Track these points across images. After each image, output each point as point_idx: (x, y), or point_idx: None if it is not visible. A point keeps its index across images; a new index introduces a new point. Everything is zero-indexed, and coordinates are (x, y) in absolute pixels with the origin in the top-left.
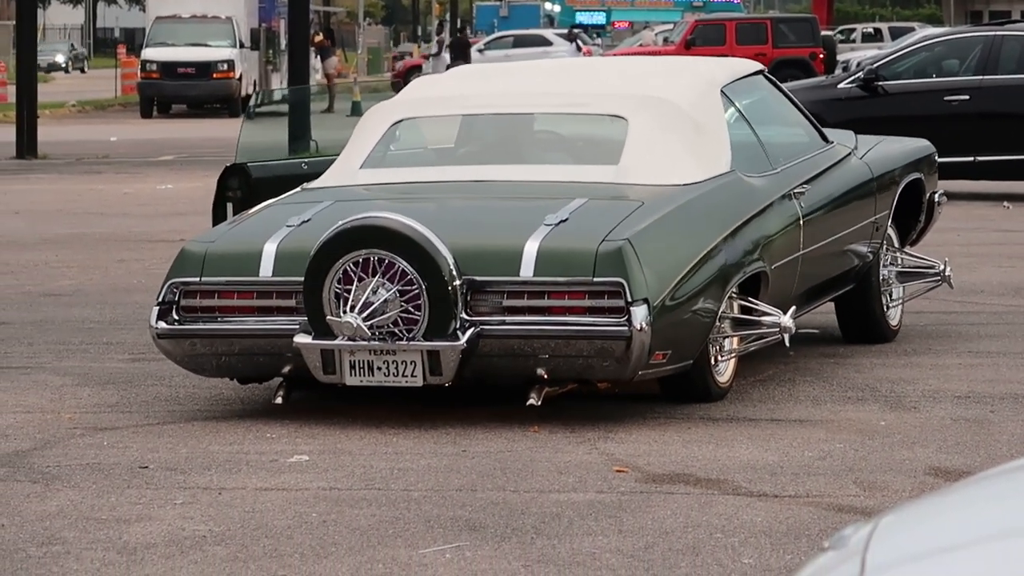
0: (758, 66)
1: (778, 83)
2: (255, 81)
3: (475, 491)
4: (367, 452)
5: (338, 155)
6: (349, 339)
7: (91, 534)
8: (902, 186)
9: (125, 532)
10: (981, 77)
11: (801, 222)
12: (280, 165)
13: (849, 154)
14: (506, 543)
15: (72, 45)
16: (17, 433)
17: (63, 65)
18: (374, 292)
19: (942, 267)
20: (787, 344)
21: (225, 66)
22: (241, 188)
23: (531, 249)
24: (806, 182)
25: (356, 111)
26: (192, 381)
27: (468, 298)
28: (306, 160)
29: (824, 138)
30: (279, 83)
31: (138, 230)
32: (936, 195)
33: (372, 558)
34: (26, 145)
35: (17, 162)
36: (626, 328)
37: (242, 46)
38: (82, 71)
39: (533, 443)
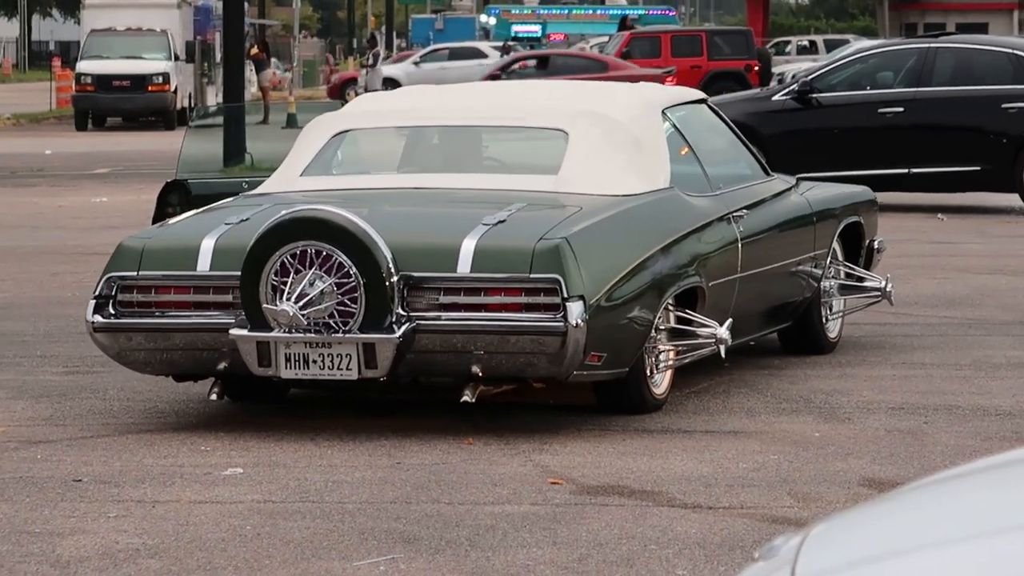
0: (701, 95)
1: (722, 114)
2: (190, 94)
3: (409, 503)
4: (301, 465)
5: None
6: (285, 329)
7: (24, 547)
8: (842, 226)
9: (58, 545)
10: (915, 89)
11: (739, 245)
12: (220, 182)
13: (789, 189)
14: (440, 555)
15: None
16: None
17: None
18: (311, 284)
19: (884, 283)
20: (723, 356)
21: (160, 79)
22: (181, 204)
23: (468, 246)
24: (745, 207)
25: (291, 123)
26: (127, 394)
27: (405, 293)
28: (246, 179)
29: (765, 171)
30: (214, 96)
31: (72, 243)
32: (876, 241)
33: (306, 571)
34: None
35: None
36: (561, 324)
37: (177, 59)
38: None
39: (467, 455)
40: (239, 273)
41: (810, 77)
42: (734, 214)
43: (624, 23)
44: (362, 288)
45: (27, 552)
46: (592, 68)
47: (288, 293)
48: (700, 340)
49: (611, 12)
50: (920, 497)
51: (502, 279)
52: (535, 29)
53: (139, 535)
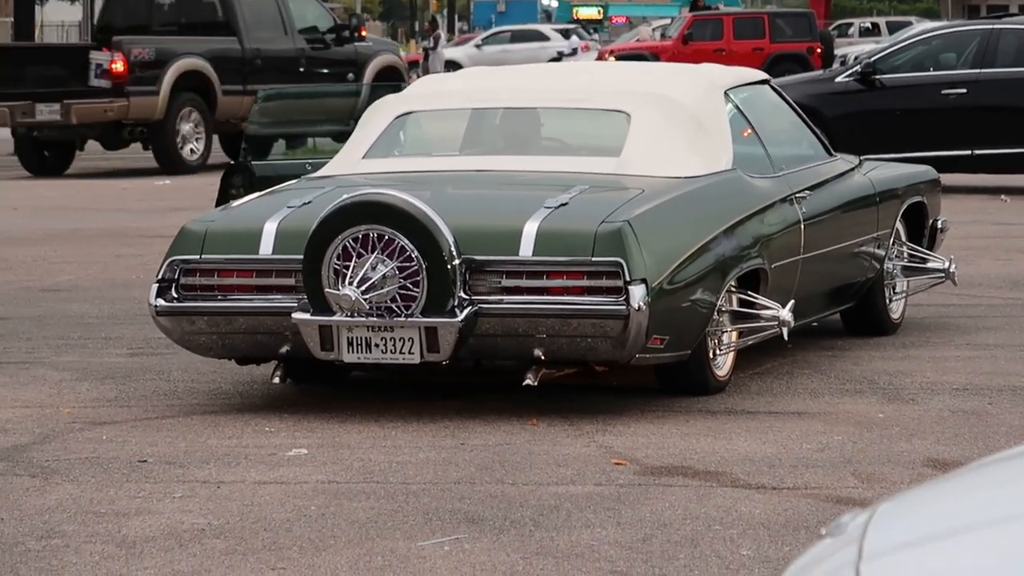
0: (764, 75)
1: (784, 94)
2: None
3: (473, 484)
4: (366, 445)
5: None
6: (347, 313)
7: (90, 527)
8: (905, 206)
9: (124, 525)
10: (979, 71)
11: (802, 226)
12: (284, 164)
13: (852, 169)
14: (504, 535)
15: None
16: (16, 428)
17: None
18: (373, 267)
19: (947, 264)
20: (786, 337)
21: None
22: (244, 186)
23: (530, 229)
24: (808, 188)
25: None
26: (191, 376)
27: (467, 277)
28: (310, 161)
29: (828, 151)
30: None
31: (136, 225)
32: (939, 221)
33: (371, 550)
34: None
35: (15, 158)
36: (624, 307)
37: None
38: None
39: (531, 436)
40: (301, 257)
41: (873, 59)
42: (797, 195)
43: (696, 3)
44: (424, 272)
45: (93, 532)
46: None
47: (350, 277)
48: (763, 322)
49: None
50: (986, 475)
51: (564, 262)
52: (596, 13)
53: (204, 515)
